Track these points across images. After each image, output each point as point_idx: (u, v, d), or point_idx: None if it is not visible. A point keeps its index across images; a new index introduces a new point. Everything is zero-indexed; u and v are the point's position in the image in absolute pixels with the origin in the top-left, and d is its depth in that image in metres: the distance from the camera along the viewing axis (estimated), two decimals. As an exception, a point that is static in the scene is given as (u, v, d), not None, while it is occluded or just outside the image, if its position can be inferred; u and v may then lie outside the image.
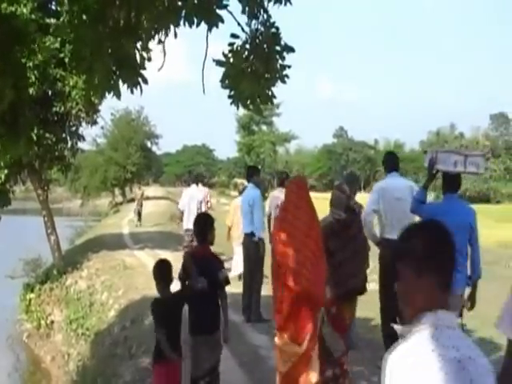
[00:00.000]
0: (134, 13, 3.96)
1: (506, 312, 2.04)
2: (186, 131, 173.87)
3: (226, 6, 4.18)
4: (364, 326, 7.22)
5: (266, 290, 7.53)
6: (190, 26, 4.05)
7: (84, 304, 13.08)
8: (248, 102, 4.59)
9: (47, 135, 13.74)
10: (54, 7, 11.32)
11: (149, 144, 44.27)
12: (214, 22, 4.09)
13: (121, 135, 41.23)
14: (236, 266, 11.31)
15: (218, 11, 4.10)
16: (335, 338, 4.70)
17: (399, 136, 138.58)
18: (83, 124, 15.15)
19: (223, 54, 4.45)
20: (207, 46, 4.38)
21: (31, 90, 10.44)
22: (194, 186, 11.97)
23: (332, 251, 4.59)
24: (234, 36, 4.47)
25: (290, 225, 4.15)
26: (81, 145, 15.86)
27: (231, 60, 4.46)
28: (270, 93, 4.60)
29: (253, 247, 7.96)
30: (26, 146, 6.15)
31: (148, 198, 33.93)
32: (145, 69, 4.26)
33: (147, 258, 14.15)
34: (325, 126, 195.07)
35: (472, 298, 4.93)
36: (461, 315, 4.99)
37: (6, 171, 13.35)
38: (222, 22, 4.12)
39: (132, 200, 32.91)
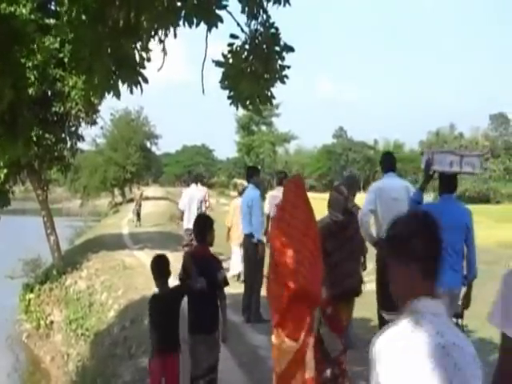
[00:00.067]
0: (133, 13, 3.96)
1: (496, 305, 2.06)
2: (185, 131, 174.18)
3: (225, 7, 4.18)
4: (363, 326, 7.21)
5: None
6: (190, 27, 4.06)
7: (83, 304, 13.08)
8: (247, 103, 4.60)
9: (47, 135, 13.74)
10: (53, 7, 11.31)
11: (148, 144, 44.27)
12: (213, 22, 4.09)
13: (120, 135, 41.20)
14: (234, 265, 11.32)
15: (217, 11, 4.11)
16: (332, 337, 4.71)
17: (399, 136, 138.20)
18: (83, 124, 15.18)
19: (222, 54, 4.45)
20: (207, 47, 4.38)
21: (31, 90, 10.45)
22: (193, 185, 11.97)
23: (329, 252, 4.61)
24: (233, 36, 4.48)
25: (287, 224, 4.15)
26: (80, 145, 15.90)
27: (230, 60, 4.46)
28: (269, 93, 4.60)
29: (252, 248, 7.97)
30: (24, 147, 6.15)
31: (147, 199, 33.92)
32: (144, 68, 4.26)
33: (147, 258, 14.10)
34: (324, 126, 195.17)
35: (467, 297, 4.97)
36: (461, 316, 5.00)
37: (5, 171, 13.35)
38: (222, 22, 4.12)
39: (131, 200, 32.89)
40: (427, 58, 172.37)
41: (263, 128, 61.29)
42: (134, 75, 4.16)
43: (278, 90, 4.61)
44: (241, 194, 10.26)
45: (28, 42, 5.05)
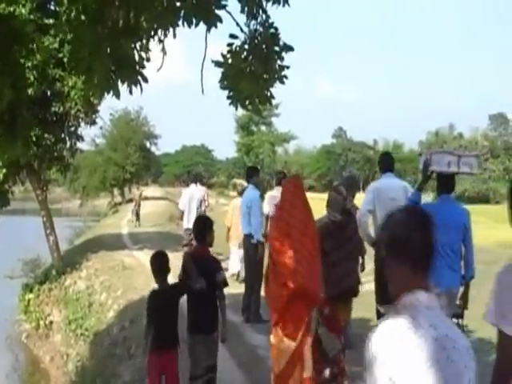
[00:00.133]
0: (132, 13, 3.96)
1: (491, 303, 2.08)
2: (185, 131, 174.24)
3: (224, 6, 4.18)
4: (362, 326, 7.20)
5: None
6: (189, 27, 4.06)
7: (83, 304, 13.07)
8: (247, 103, 4.61)
9: (46, 135, 13.73)
10: (52, 7, 11.31)
11: (148, 144, 44.22)
12: (212, 22, 4.09)
13: (120, 135, 41.17)
14: (232, 264, 11.32)
15: (216, 11, 4.11)
16: (331, 337, 4.71)
17: (398, 136, 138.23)
18: (82, 124, 15.17)
19: (222, 54, 4.46)
20: (206, 47, 4.39)
21: (30, 90, 10.44)
22: (193, 185, 11.97)
23: (327, 251, 4.61)
24: (232, 36, 4.48)
25: (286, 223, 4.16)
26: (80, 145, 15.89)
27: (230, 60, 4.47)
28: (268, 93, 4.61)
29: (252, 249, 8.00)
30: (23, 147, 6.14)
31: (147, 199, 33.92)
32: (144, 68, 4.27)
33: (146, 259, 14.01)
34: (324, 126, 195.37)
35: (465, 297, 4.99)
36: (462, 316, 5.01)
37: (4, 171, 13.35)
38: (221, 21, 4.12)
39: (131, 200, 32.89)
40: (426, 58, 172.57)
41: (263, 128, 61.20)
42: (133, 74, 4.16)
43: (277, 90, 4.64)
44: (240, 194, 10.26)
45: (27, 41, 5.04)
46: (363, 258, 6.21)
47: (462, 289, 4.98)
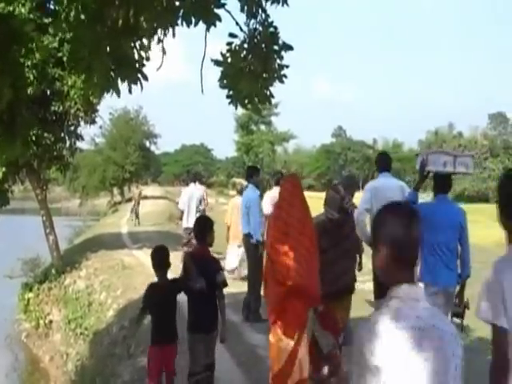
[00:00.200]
0: (132, 12, 3.96)
1: (481, 298, 2.11)
2: (184, 131, 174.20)
3: (223, 5, 4.18)
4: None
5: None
6: (188, 26, 4.05)
7: (83, 304, 13.07)
8: (246, 102, 4.61)
9: (46, 135, 13.72)
10: (52, 7, 11.29)
11: (147, 143, 44.21)
12: (211, 21, 4.09)
13: (119, 135, 41.16)
14: (229, 262, 11.34)
15: (215, 10, 4.11)
16: (324, 334, 4.71)
17: (398, 136, 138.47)
18: (82, 123, 15.16)
19: (221, 53, 4.46)
20: (205, 46, 4.39)
21: (29, 90, 10.42)
22: (192, 184, 11.97)
23: (324, 249, 4.61)
24: (232, 35, 4.48)
25: (283, 222, 4.17)
26: (79, 144, 15.88)
27: (229, 59, 4.46)
28: (268, 92, 4.61)
29: (252, 249, 8.04)
30: (23, 146, 6.13)
31: (146, 198, 33.92)
32: (144, 66, 4.27)
33: (146, 258, 14.06)
34: (323, 125, 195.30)
35: (460, 296, 5.03)
36: (462, 316, 5.01)
37: (3, 170, 13.34)
38: (220, 21, 4.12)
39: (130, 199, 32.89)
40: (426, 57, 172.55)
41: (262, 127, 61.18)
42: (133, 73, 4.16)
43: (276, 89, 4.63)
44: (240, 192, 10.26)
45: (27, 41, 5.03)
46: (361, 256, 6.22)
47: (457, 287, 5.03)
